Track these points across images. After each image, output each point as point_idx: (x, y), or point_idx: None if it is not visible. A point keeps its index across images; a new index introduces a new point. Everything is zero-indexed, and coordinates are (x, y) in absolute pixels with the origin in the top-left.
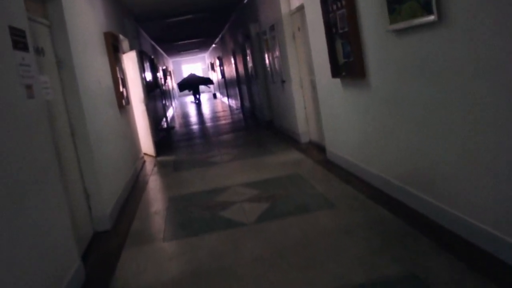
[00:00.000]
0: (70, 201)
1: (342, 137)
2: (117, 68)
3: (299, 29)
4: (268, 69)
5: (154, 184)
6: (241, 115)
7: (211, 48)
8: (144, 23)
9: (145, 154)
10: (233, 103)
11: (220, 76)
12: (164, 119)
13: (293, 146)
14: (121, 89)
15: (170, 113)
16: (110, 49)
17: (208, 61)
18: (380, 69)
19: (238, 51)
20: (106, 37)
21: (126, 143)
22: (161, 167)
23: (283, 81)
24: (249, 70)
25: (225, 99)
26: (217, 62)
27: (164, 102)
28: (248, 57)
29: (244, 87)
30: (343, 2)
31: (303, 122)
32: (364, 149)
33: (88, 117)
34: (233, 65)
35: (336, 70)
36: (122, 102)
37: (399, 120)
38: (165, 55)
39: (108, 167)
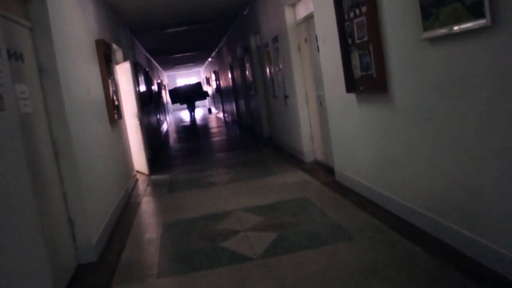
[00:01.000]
0: (51, 230)
1: (356, 157)
2: (110, 80)
3: (305, 40)
4: (270, 83)
5: (147, 207)
6: (238, 131)
7: (206, 62)
8: (139, 34)
9: (137, 172)
10: (230, 118)
11: (215, 91)
12: (159, 134)
13: (297, 166)
14: (113, 102)
15: (164, 128)
16: (102, 58)
17: (203, 75)
18: (407, 82)
19: (236, 65)
20: (98, 45)
21: (117, 161)
22: (155, 187)
23: (286, 96)
24: (248, 84)
25: (220, 115)
26: (213, 76)
27: (158, 116)
28: (247, 71)
29: (242, 102)
30: (363, 9)
31: (307, 140)
32: (385, 173)
33: (75, 133)
34: (230, 79)
35: (351, 84)
36: (114, 116)
37: (430, 142)
38: (160, 68)
39: (96, 189)
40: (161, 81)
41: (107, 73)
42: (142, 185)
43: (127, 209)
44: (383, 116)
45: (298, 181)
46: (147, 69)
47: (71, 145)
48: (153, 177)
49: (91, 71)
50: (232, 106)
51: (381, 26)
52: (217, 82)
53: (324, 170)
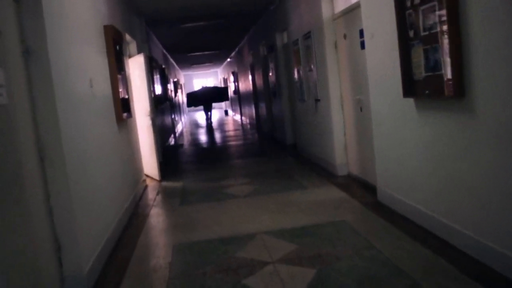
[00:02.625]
0: (31, 254)
1: (410, 176)
2: (120, 72)
3: (344, 36)
4: (297, 85)
5: (155, 221)
6: (257, 135)
7: (225, 63)
8: (156, 27)
9: (147, 176)
10: (248, 121)
11: (233, 93)
12: (172, 136)
13: (328, 180)
14: (122, 98)
15: (179, 128)
16: (111, 46)
17: (221, 76)
18: (497, 85)
19: (258, 65)
20: (107, 31)
21: (124, 166)
22: (166, 196)
23: (317, 100)
24: (271, 86)
25: (237, 117)
26: (231, 77)
27: (173, 116)
28: (270, 72)
29: (263, 105)
30: None
31: (341, 151)
32: (455, 201)
33: (68, 133)
34: (251, 81)
35: (410, 87)
36: (123, 115)
37: None
38: (176, 67)
39: (93, 202)
40: (178, 80)
41: (117, 65)
42: (151, 192)
43: (132, 223)
44: (456, 129)
45: (332, 199)
46: (163, 66)
47: (61, 148)
48: (165, 183)
49: (96, 60)
50: (251, 109)
51: (462, 12)
52: (236, 84)
53: (361, 187)
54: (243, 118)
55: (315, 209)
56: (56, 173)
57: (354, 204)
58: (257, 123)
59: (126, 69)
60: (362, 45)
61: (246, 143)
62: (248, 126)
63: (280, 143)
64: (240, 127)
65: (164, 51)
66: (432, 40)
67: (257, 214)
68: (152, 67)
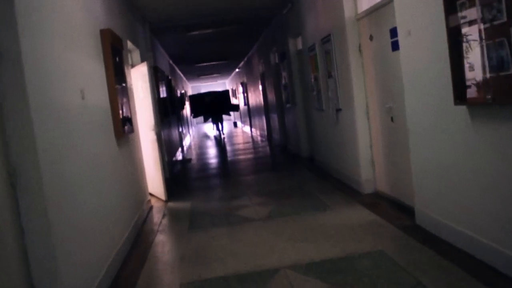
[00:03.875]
0: None
1: (459, 198)
2: (119, 83)
3: (371, 38)
4: (313, 93)
5: (160, 252)
6: (269, 148)
7: (233, 73)
8: (162, 37)
9: (152, 195)
10: (258, 133)
11: (243, 104)
12: (180, 150)
13: (354, 198)
14: (122, 111)
15: (187, 142)
16: (108, 53)
17: (229, 87)
18: None
19: (269, 74)
20: (104, 36)
21: (124, 187)
22: (173, 219)
23: (338, 110)
24: (283, 95)
25: (247, 128)
26: (240, 88)
27: (181, 129)
28: (282, 80)
29: (275, 116)
30: None
31: (367, 166)
32: None
33: (48, 152)
34: (261, 91)
35: (463, 93)
36: (123, 129)
37: None
38: (184, 78)
39: (85, 234)
40: (185, 92)
41: (116, 74)
42: (157, 215)
43: (134, 254)
44: None
45: (362, 223)
46: (169, 77)
47: (38, 171)
48: (171, 204)
49: (90, 68)
50: (261, 120)
51: None
52: (245, 95)
53: (392, 207)
54: (253, 129)
55: (345, 235)
56: (32, 203)
57: (390, 229)
58: (269, 134)
59: (128, 79)
60: (394, 46)
61: (258, 156)
62: (259, 138)
63: (295, 156)
64: (251, 139)
65: (171, 62)
66: (495, 33)
67: (277, 242)
68: (157, 78)
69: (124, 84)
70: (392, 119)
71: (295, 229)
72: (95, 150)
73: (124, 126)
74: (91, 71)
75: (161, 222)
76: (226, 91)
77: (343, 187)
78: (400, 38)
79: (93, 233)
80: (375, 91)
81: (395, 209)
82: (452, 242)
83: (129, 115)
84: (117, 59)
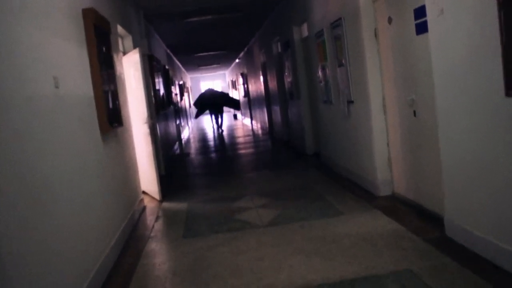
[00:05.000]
0: None
1: (505, 210)
2: (105, 70)
3: (389, 20)
4: (320, 84)
5: (150, 265)
6: (271, 143)
7: (233, 64)
8: (158, 24)
9: (144, 193)
10: (259, 126)
11: (243, 96)
12: (178, 143)
13: (368, 202)
14: (108, 102)
15: (185, 135)
16: (91, 35)
17: (228, 79)
18: None
19: (271, 64)
20: (86, 16)
21: (112, 188)
22: (167, 222)
23: (349, 102)
24: (287, 87)
25: (247, 121)
26: (240, 79)
27: (178, 122)
28: (285, 71)
29: (277, 109)
30: None
31: (383, 165)
32: None
33: (7, 151)
34: (262, 82)
35: None
36: (108, 124)
37: None
38: (183, 69)
39: (59, 248)
40: (184, 83)
41: (101, 60)
42: (150, 216)
43: (120, 265)
44: None
45: (382, 232)
46: (166, 67)
47: None
48: (166, 204)
49: (68, 52)
50: (262, 113)
51: None
52: (245, 86)
53: (414, 213)
54: (253, 122)
55: (363, 248)
56: None
57: (415, 242)
58: (270, 128)
59: (118, 67)
60: (420, 29)
61: (259, 151)
62: (260, 131)
63: (299, 153)
64: (251, 133)
65: (168, 51)
66: None
67: (285, 256)
68: (153, 67)
69: (112, 72)
70: (414, 113)
71: (304, 239)
72: (72, 147)
73: (111, 119)
74: (69, 55)
75: (153, 226)
76: (227, 93)
77: (354, 188)
78: (430, 18)
79: (71, 244)
80: (394, 82)
81: (418, 216)
82: (499, 264)
83: (119, 107)
84: (104, 43)
